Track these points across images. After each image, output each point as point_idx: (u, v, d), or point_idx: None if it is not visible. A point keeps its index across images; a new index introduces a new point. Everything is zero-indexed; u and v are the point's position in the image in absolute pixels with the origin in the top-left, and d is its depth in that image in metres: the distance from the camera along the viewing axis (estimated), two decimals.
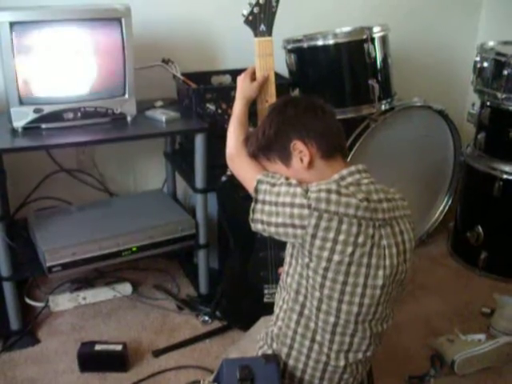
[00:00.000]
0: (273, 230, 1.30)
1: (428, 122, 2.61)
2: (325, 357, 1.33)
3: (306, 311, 1.32)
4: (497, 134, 2.50)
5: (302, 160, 1.34)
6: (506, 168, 2.45)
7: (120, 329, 2.19)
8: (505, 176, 2.44)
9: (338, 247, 1.22)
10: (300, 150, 1.33)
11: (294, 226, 1.25)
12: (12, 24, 1.86)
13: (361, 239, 1.23)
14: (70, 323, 2.22)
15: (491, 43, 2.59)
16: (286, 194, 1.27)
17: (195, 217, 2.25)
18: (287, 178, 1.33)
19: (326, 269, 1.24)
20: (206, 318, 2.23)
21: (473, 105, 2.65)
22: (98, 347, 1.97)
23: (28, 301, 2.30)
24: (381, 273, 1.27)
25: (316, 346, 1.32)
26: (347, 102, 2.41)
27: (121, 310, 2.30)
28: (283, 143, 1.35)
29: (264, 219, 1.31)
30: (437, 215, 2.86)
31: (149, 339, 2.13)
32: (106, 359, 1.96)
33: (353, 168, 1.32)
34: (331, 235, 1.22)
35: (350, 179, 1.30)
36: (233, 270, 2.14)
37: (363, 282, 1.26)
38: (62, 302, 2.29)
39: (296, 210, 1.24)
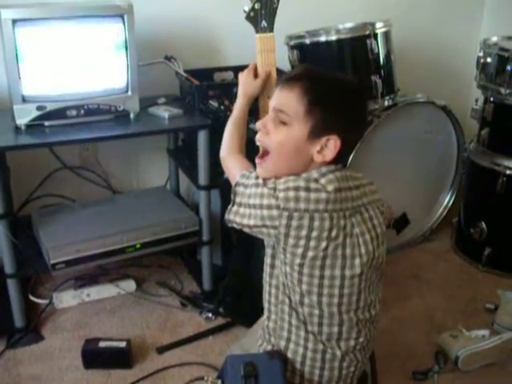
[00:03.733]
0: (247, 230, 1.30)
1: (431, 118, 2.60)
2: (321, 345, 1.33)
3: (294, 304, 1.32)
4: (500, 130, 2.50)
5: (320, 151, 1.26)
6: (510, 164, 2.44)
7: (124, 326, 2.20)
8: (508, 172, 2.44)
9: (312, 243, 1.22)
10: (329, 146, 1.26)
11: (265, 226, 1.24)
12: (15, 21, 1.85)
13: (334, 233, 1.22)
14: (74, 320, 2.22)
15: (494, 38, 2.57)
16: (255, 195, 1.26)
17: (198, 213, 2.25)
18: (257, 177, 1.30)
19: (301, 265, 1.24)
20: (210, 315, 2.23)
21: (476, 100, 2.64)
22: (102, 344, 1.98)
23: (32, 298, 2.31)
24: (357, 261, 1.27)
25: (311, 336, 1.33)
26: None
27: (124, 307, 2.31)
28: (328, 126, 1.25)
29: (237, 221, 1.31)
30: (440, 211, 2.85)
31: (152, 336, 2.14)
32: (110, 356, 1.97)
33: (332, 167, 1.28)
34: (304, 233, 1.21)
35: (324, 169, 1.27)
36: (236, 267, 2.14)
37: (340, 273, 1.26)
38: (66, 299, 2.30)
39: (265, 212, 1.22)
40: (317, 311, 1.29)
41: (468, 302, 2.36)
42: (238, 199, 1.32)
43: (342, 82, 1.32)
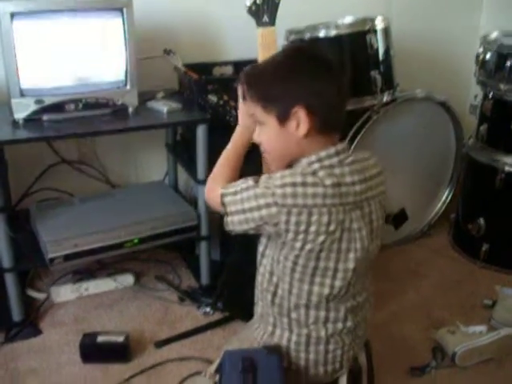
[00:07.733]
0: (253, 232, 1.32)
1: (430, 114, 2.60)
2: (306, 329, 1.35)
3: (280, 291, 1.34)
4: (499, 126, 2.49)
5: (297, 126, 1.27)
6: (509, 160, 2.44)
7: (122, 320, 2.20)
8: (507, 168, 2.44)
9: (310, 237, 1.23)
10: (300, 117, 1.26)
11: (266, 224, 1.25)
12: (13, 14, 1.85)
13: (332, 227, 1.23)
14: (72, 314, 2.22)
15: (494, 34, 2.57)
16: (248, 198, 1.26)
17: (197, 208, 2.25)
18: (243, 183, 1.30)
19: (297, 256, 1.26)
20: (208, 310, 2.23)
21: (475, 96, 2.64)
22: (100, 338, 1.98)
23: (30, 292, 2.30)
24: (352, 255, 1.28)
25: (294, 322, 1.35)
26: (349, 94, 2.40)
27: (123, 301, 2.31)
28: (286, 104, 1.26)
29: (237, 229, 1.31)
30: (438, 207, 2.85)
31: (151, 330, 2.14)
32: (108, 350, 1.97)
33: (332, 150, 1.28)
34: (302, 228, 1.22)
35: (326, 162, 1.27)
36: (234, 262, 2.14)
37: (334, 266, 1.28)
38: (64, 293, 2.30)
39: (264, 212, 1.23)
40: (303, 301, 1.31)
41: (466, 297, 2.36)
42: (229, 209, 1.31)
43: (275, 58, 1.34)
